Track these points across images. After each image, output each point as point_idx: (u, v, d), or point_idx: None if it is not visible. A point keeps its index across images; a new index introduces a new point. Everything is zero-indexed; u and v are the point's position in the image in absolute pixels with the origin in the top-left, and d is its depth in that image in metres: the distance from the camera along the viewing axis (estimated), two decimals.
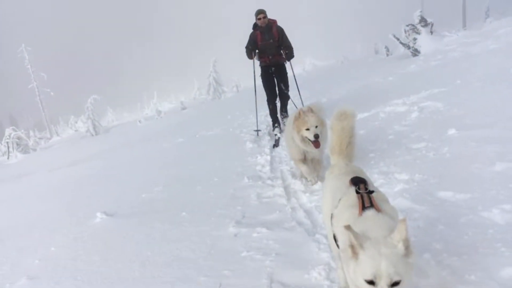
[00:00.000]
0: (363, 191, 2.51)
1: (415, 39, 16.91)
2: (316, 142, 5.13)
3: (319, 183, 5.33)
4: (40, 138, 35.17)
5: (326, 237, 3.69)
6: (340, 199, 2.63)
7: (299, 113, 5.23)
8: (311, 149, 5.28)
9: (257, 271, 3.46)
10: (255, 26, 8.64)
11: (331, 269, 3.27)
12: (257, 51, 8.75)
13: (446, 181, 4.16)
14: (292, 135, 5.42)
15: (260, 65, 8.95)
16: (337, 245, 2.46)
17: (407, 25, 17.55)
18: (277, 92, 8.97)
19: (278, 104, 9.17)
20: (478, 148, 4.65)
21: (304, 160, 5.57)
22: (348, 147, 3.38)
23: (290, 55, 8.67)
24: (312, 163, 5.62)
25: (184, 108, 30.01)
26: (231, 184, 6.04)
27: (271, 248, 3.83)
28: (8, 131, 26.06)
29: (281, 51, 8.67)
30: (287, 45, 8.59)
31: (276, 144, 8.09)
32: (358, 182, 2.64)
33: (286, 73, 8.89)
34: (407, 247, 1.98)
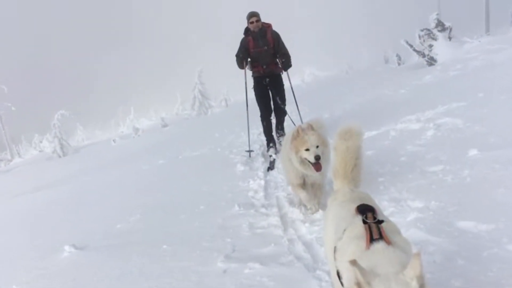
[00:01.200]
0: (371, 221, 2.52)
1: (431, 45, 16.98)
2: (317, 164, 5.11)
3: (320, 211, 5.33)
4: None
5: (328, 273, 3.69)
6: (344, 230, 2.64)
7: (298, 131, 5.22)
8: (311, 172, 5.28)
9: None
10: (246, 31, 8.67)
11: None
12: (249, 59, 8.77)
13: (466, 209, 4.18)
14: (289, 157, 5.42)
15: (252, 75, 8.97)
16: (341, 283, 2.46)
17: (422, 30, 17.59)
18: (272, 106, 8.97)
19: (273, 120, 9.19)
20: (503, 171, 4.68)
21: (303, 185, 5.57)
22: (354, 170, 3.39)
23: (287, 64, 8.65)
24: (312, 188, 5.62)
25: (165, 125, 29.97)
26: (219, 212, 6.03)
27: (265, 286, 3.82)
28: None
29: (277, 60, 8.71)
30: (283, 52, 8.60)
31: (271, 167, 8.09)
32: (366, 211, 2.65)
33: (282, 85, 8.92)
34: (421, 285, 1.97)
